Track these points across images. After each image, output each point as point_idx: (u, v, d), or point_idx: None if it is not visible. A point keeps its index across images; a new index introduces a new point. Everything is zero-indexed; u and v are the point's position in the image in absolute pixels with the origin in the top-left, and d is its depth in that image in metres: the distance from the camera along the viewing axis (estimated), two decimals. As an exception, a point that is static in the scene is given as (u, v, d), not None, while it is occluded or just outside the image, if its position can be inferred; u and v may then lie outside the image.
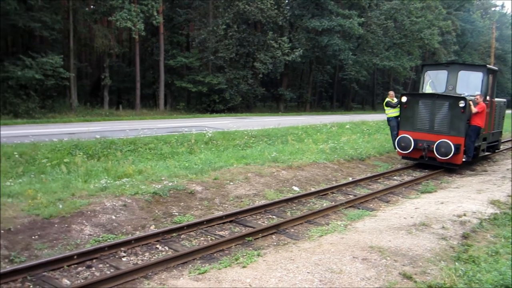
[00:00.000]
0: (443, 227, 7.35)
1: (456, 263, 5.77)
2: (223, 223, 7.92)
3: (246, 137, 16.40)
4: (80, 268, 5.88)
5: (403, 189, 11.28)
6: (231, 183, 10.18)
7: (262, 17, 33.99)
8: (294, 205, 9.40)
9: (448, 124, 12.94)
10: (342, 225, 7.72)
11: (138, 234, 7.11)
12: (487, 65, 14.42)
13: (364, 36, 42.29)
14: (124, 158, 11.76)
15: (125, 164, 10.70)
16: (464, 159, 12.94)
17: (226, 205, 9.08)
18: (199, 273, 5.51)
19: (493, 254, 6.05)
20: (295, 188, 10.75)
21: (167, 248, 6.69)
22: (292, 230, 7.83)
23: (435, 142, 12.76)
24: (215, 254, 6.49)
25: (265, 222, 8.23)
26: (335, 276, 5.30)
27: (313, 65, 44.04)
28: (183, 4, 37.17)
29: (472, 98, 13.04)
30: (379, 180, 12.24)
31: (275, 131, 18.44)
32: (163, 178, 9.62)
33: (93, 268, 5.90)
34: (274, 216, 8.56)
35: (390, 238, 6.74)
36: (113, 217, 7.45)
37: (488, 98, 14.22)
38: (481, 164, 15.43)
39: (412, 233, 7.03)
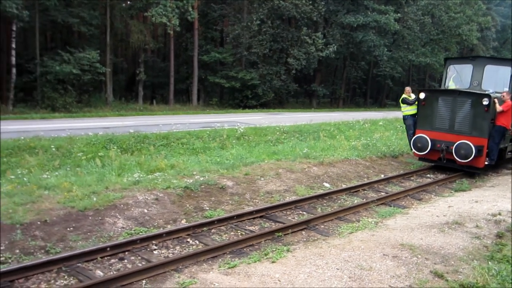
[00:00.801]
0: (476, 226, 7.20)
1: (489, 263, 5.66)
2: (253, 218, 7.99)
3: (277, 133, 16.42)
4: (113, 260, 6.05)
5: (436, 187, 11.09)
6: (262, 179, 10.23)
7: (297, 13, 33.86)
8: (325, 201, 9.37)
9: (470, 124, 11.84)
10: (372, 222, 7.67)
11: (169, 227, 7.25)
12: None
13: (400, 32, 41.53)
14: (156, 153, 11.99)
15: (158, 159, 10.90)
16: (486, 163, 11.83)
17: (257, 201, 9.14)
18: (229, 267, 5.58)
19: (528, 255, 5.90)
20: (326, 185, 10.72)
21: (197, 242, 6.80)
22: (322, 226, 7.83)
23: (455, 143, 11.67)
24: (244, 249, 6.56)
25: (295, 218, 8.25)
26: (365, 273, 5.28)
27: (347, 61, 43.58)
28: (217, 0, 37.41)
29: (499, 95, 11.99)
30: (411, 178, 12.06)
31: (307, 127, 18.39)
32: (194, 172, 9.75)
33: (125, 260, 6.06)
34: (304, 212, 8.57)
35: (421, 236, 6.66)
36: (145, 211, 7.63)
37: None
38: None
39: (444, 231, 6.91)
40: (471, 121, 11.81)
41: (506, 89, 12.41)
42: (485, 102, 11.51)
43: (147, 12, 28.20)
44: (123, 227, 7.06)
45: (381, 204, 9.27)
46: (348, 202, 9.40)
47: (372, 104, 51.39)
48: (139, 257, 6.16)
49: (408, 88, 13.87)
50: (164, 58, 39.55)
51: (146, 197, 8.04)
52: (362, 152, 13.68)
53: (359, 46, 39.85)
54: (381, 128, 20.93)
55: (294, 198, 9.28)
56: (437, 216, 7.88)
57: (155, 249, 6.46)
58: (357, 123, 21.42)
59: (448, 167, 12.61)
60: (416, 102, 13.14)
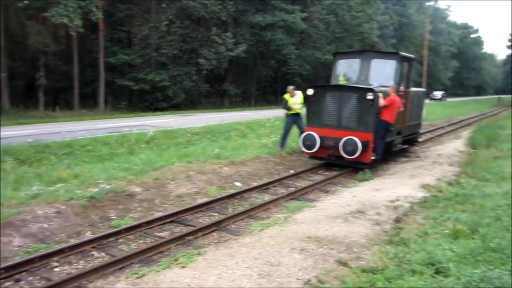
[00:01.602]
0: (377, 213, 7.62)
1: (388, 246, 6.01)
2: (163, 224, 7.82)
3: (188, 135, 16.28)
4: (7, 283, 5.59)
5: (342, 178, 11.59)
6: (172, 183, 10.07)
7: (206, 13, 33.81)
8: (236, 201, 9.43)
9: (357, 119, 11.79)
10: (282, 218, 7.82)
11: (72, 241, 6.88)
12: (401, 53, 13.41)
13: (307, 31, 42.99)
14: (59, 162, 11.35)
15: (60, 168, 10.32)
16: (373, 157, 11.85)
17: (167, 205, 8.97)
18: (137, 277, 5.41)
19: (422, 235, 6.34)
20: (237, 184, 10.79)
21: (103, 254, 6.52)
22: (233, 226, 7.86)
23: (342, 139, 11.59)
24: (154, 256, 6.40)
25: (207, 220, 8.20)
26: (274, 268, 5.37)
27: (257, 60, 44.29)
28: (124, 0, 36.23)
29: (385, 89, 12.04)
30: (319, 172, 12.50)
31: (218, 127, 18.43)
32: (100, 181, 9.34)
33: (22, 282, 5.64)
34: (215, 214, 8.55)
35: (327, 227, 6.90)
36: (45, 226, 7.17)
37: (402, 88, 13.39)
38: (414, 151, 16.09)
39: (348, 220, 7.23)
40: (358, 117, 11.77)
41: (393, 82, 12.53)
42: (369, 97, 11.44)
43: (47, 13, 26.62)
44: (20, 246, 6.56)
45: (291, 199, 9.50)
46: (259, 200, 9.53)
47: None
48: (38, 277, 5.76)
49: (291, 87, 13.69)
50: (67, 61, 37.53)
51: (46, 210, 7.56)
52: (272, 150, 13.95)
53: (268, 45, 40.65)
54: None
55: (205, 200, 9.22)
56: (342, 206, 8.22)
57: (56, 266, 6.09)
58: (268, 121, 21.81)
59: (339, 164, 12.43)
60: (299, 101, 13.25)
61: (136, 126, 18.07)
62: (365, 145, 11.44)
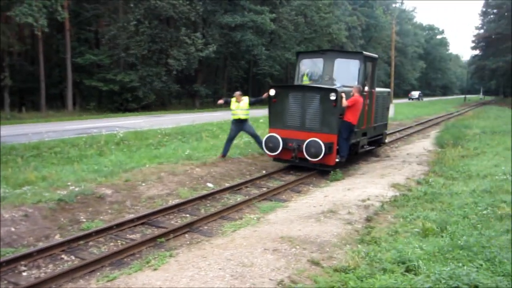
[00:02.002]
0: (349, 212, 7.71)
1: (359, 246, 6.09)
2: (135, 226, 7.71)
3: (159, 136, 16.12)
4: (-28, 289, 5.44)
5: (314, 178, 11.68)
6: (143, 184, 9.94)
7: (174, 13, 33.56)
8: (208, 202, 9.37)
9: (320, 120, 11.47)
10: (255, 218, 7.84)
11: (40, 245, 6.71)
12: (364, 52, 12.86)
13: (276, 32, 43.23)
14: (26, 164, 11.06)
15: (27, 171, 10.06)
16: (337, 160, 11.57)
17: (138, 207, 8.85)
18: (108, 281, 5.33)
19: (393, 233, 6.46)
20: (210, 185, 10.73)
21: (73, 258, 6.38)
22: (206, 227, 7.81)
23: (306, 141, 11.26)
24: (125, 259, 6.30)
25: (178, 221, 8.13)
26: (246, 269, 5.36)
27: (227, 61, 44.27)
28: (90, -1, 35.67)
29: (348, 89, 11.73)
30: (291, 172, 12.55)
31: (189, 128, 18.32)
32: (69, 183, 9.15)
33: (-11, 286, 5.49)
34: (187, 215, 8.48)
35: (300, 227, 6.94)
36: (13, 229, 6.97)
37: (367, 88, 12.94)
38: (384, 150, 16.37)
39: (320, 220, 7.29)
40: (321, 118, 11.46)
41: (356, 82, 12.22)
42: (332, 97, 11.10)
43: (10, 12, 25.89)
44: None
45: (263, 199, 9.51)
46: (231, 201, 9.50)
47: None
48: (5, 281, 5.60)
49: (238, 93, 13.01)
50: (33, 62, 36.66)
51: (13, 214, 7.35)
52: (244, 150, 13.95)
53: (238, 46, 40.66)
54: (262, 124, 21.49)
55: (177, 201, 9.14)
56: (314, 206, 8.28)
57: (24, 271, 5.92)
58: (239, 122, 21.75)
59: (303, 166, 12.10)
60: (245, 107, 12.65)
61: (106, 127, 17.77)
62: (329, 147, 11.18)
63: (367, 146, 14.07)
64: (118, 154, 12.95)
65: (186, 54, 34.69)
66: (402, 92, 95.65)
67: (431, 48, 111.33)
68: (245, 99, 12.72)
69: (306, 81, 13.20)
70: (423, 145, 17.33)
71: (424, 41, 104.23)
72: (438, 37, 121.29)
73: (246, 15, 38.35)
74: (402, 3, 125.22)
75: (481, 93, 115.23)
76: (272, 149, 11.82)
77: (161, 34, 34.96)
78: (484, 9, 74.27)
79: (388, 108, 16.09)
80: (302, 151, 11.30)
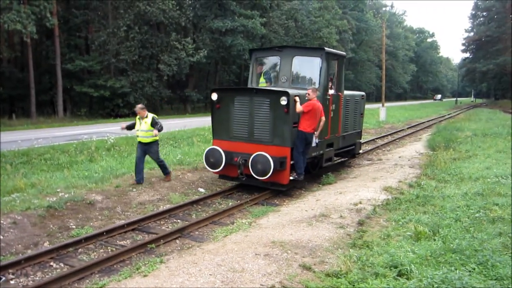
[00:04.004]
0: (341, 216, 7.67)
1: (351, 250, 6.04)
2: (125, 232, 7.63)
3: (150, 141, 16.00)
4: (-40, 297, 5.34)
5: (306, 182, 11.62)
6: (134, 190, 9.88)
7: (164, 18, 33.52)
8: (200, 207, 9.31)
9: (271, 130, 9.58)
10: (246, 223, 7.78)
11: (29, 252, 6.61)
12: (327, 48, 10.88)
13: (267, 36, 43.30)
14: (15, 171, 10.95)
15: (16, 178, 9.96)
16: (292, 177, 9.80)
17: (129, 213, 8.77)
18: (97, 288, 5.26)
19: (385, 237, 6.42)
20: (201, 190, 10.66)
21: (62, 265, 6.28)
22: (197, 232, 7.75)
23: (252, 155, 9.44)
24: (115, 266, 6.22)
25: (170, 227, 8.05)
26: (237, 275, 5.30)
27: (218, 66, 44.28)
28: (79, 5, 35.51)
29: (303, 92, 9.93)
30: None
31: (181, 133, 18.23)
32: (59, 190, 9.07)
33: (-24, 295, 5.39)
34: (178, 220, 8.41)
35: (291, 232, 6.89)
36: (1, 237, 6.87)
37: (332, 91, 11.25)
38: (376, 153, 16.37)
39: (312, 224, 7.24)
40: (272, 127, 9.59)
41: (317, 85, 10.57)
42: (283, 101, 9.24)
43: (-2, 19, 25.75)
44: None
45: (255, 204, 9.46)
46: (223, 205, 9.44)
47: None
48: (-8, 289, 5.51)
49: (138, 107, 10.55)
50: (23, 68, 36.42)
51: (2, 222, 7.25)
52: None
53: (229, 50, 40.66)
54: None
55: (168, 206, 9.06)
56: (306, 210, 8.24)
57: (12, 279, 5.82)
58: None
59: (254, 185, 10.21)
60: (145, 128, 10.35)
61: (97, 133, 17.66)
62: (280, 162, 9.36)
63: (338, 158, 12.83)
64: (109, 160, 12.86)
65: (177, 59, 34.64)
66: (394, 95, 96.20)
67: (422, 51, 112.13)
68: (150, 116, 10.45)
69: (263, 84, 11.45)
70: (415, 148, 17.38)
71: (414, 44, 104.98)
72: (429, 40, 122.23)
73: (237, 20, 38.38)
74: (392, 6, 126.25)
75: (472, 96, 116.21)
76: (213, 165, 9.96)
77: (151, 39, 34.90)
78: (473, 12, 74.88)
79: (362, 114, 14.19)
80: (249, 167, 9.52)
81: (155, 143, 10.57)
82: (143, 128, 10.35)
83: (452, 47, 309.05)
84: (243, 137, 9.95)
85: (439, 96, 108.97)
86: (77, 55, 35.16)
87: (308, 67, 11.14)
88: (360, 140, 14.29)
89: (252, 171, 9.39)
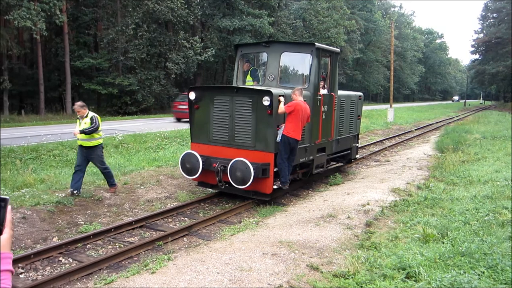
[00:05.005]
0: (348, 217, 7.66)
1: (359, 251, 6.03)
2: (133, 229, 7.68)
3: (158, 139, 16.06)
4: (-31, 291, 5.37)
5: (313, 182, 11.61)
6: (142, 187, 9.92)
7: (173, 17, 33.53)
8: (207, 205, 9.34)
9: (253, 133, 8.72)
10: (254, 222, 7.79)
11: (38, 247, 6.66)
12: (317, 44, 9.81)
13: (275, 35, 43.21)
14: (24, 167, 11.02)
15: (25, 173, 10.03)
16: (275, 186, 8.87)
17: (137, 210, 8.81)
18: (105, 284, 5.29)
19: (393, 239, 6.41)
20: (209, 188, 10.66)
21: (71, 260, 6.34)
22: (204, 231, 7.77)
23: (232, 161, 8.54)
24: (123, 262, 6.26)
25: (177, 224, 8.09)
26: (245, 274, 5.31)
27: (226, 65, 44.29)
28: (89, 3, 35.66)
29: (287, 92, 9.07)
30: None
31: (188, 131, 18.22)
32: (68, 186, 9.12)
33: (-15, 289, 5.42)
34: (186, 218, 8.44)
35: (299, 232, 6.89)
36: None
37: (325, 91, 10.43)
38: (384, 154, 16.32)
39: (320, 225, 7.24)
40: (254, 130, 8.73)
41: (307, 84, 9.79)
42: (266, 102, 8.41)
43: (9, 16, 25.88)
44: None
45: (262, 203, 9.46)
46: (230, 204, 9.45)
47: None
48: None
49: (77, 105, 9.19)
50: (32, 65, 36.66)
51: (12, 216, 7.29)
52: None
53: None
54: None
55: (175, 204, 9.10)
56: (313, 210, 8.24)
57: (21, 273, 5.88)
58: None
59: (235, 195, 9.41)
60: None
61: (105, 130, 17.61)
62: (263, 169, 8.49)
63: (333, 163, 12.21)
64: (117, 157, 12.92)
65: (184, 57, 34.66)
66: (401, 96, 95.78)
67: (431, 52, 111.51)
68: (92, 116, 9.09)
69: (249, 83, 10.65)
70: (423, 149, 17.30)
71: (423, 45, 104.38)
72: (438, 41, 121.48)
73: (245, 19, 38.37)
74: (401, 7, 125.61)
75: (481, 98, 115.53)
76: (189, 171, 9.07)
77: (159, 37, 34.94)
78: (483, 13, 74.35)
79: (359, 116, 13.29)
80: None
81: (97, 147, 9.16)
82: (85, 129, 8.94)
83: (461, 49, 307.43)
84: (223, 141, 9.11)
85: (456, 98, 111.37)
86: (86, 53, 35.28)
87: (298, 64, 10.50)
88: (357, 144, 13.37)
89: (231, 178, 8.48)
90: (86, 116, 9.02)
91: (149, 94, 34.16)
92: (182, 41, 34.33)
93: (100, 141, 9.23)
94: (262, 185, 8.68)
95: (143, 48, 33.43)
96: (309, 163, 10.14)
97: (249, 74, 10.73)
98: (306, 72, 10.01)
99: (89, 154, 9.08)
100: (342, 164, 12.93)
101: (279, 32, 43.30)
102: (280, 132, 8.60)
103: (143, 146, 15.02)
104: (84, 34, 36.65)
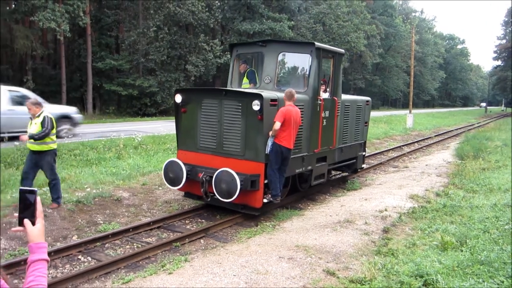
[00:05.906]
0: (365, 222, 7.63)
1: (376, 257, 6.00)
2: (151, 229, 7.76)
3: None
4: (-9, 285, 5.50)
5: (330, 187, 11.57)
6: (160, 188, 10.02)
7: (193, 20, 33.82)
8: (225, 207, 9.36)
9: (243, 141, 7.98)
10: (270, 226, 7.82)
11: (58, 245, 6.79)
12: (318, 44, 9.08)
13: (295, 39, 43.25)
14: (45, 166, 11.20)
15: (47, 172, 10.19)
16: (266, 200, 8.05)
17: (154, 211, 8.90)
18: (123, 283, 5.36)
19: (410, 246, 6.35)
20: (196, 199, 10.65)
21: (89, 259, 6.44)
22: (221, 233, 7.81)
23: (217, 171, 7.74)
24: (140, 262, 6.34)
25: (194, 226, 8.15)
26: (261, 277, 5.33)
27: (245, 68, 44.44)
28: (111, 5, 36.20)
29: (279, 95, 8.23)
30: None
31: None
32: (87, 185, 9.28)
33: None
34: (203, 220, 8.49)
35: (316, 236, 6.89)
36: (1, 240, 7.05)
37: (326, 95, 9.77)
38: (402, 160, 16.18)
39: (337, 230, 7.22)
40: (243, 137, 7.98)
41: (307, 87, 9.06)
42: (256, 106, 7.65)
43: (34, 17, 26.44)
44: (5, 248, 6.48)
45: (279, 207, 9.43)
46: (247, 207, 9.47)
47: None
48: (23, 280, 5.66)
49: (29, 101, 7.98)
50: (55, 65, 37.33)
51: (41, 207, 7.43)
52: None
53: (256, 53, 40.76)
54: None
55: (193, 206, 9.16)
56: (330, 215, 8.22)
57: (41, 270, 5.99)
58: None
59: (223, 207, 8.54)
60: (35, 130, 7.64)
61: (124, 131, 17.92)
62: (252, 181, 7.73)
63: (337, 173, 11.66)
64: (136, 158, 13.05)
65: (204, 60, 34.91)
66: (421, 102, 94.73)
67: (452, 58, 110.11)
68: (45, 116, 7.71)
69: (246, 85, 9.92)
70: (443, 156, 17.11)
71: (444, 51, 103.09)
72: (459, 47, 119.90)
73: (265, 23, 38.49)
74: (422, 12, 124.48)
75: (503, 105, 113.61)
76: (172, 181, 8.34)
77: (180, 40, 35.25)
78: (506, 19, 73.32)
79: (366, 123, 12.39)
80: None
81: (49, 153, 7.88)
82: (32, 131, 7.67)
83: (483, 54, 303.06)
84: (210, 149, 8.34)
85: (484, 104, 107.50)
86: (108, 54, 35.81)
87: (296, 65, 9.90)
88: (364, 153, 12.47)
89: (216, 191, 7.72)
90: (38, 116, 7.72)
91: (169, 96, 34.47)
92: (202, 44, 34.58)
93: (53, 146, 7.95)
94: (251, 198, 7.91)
95: (164, 50, 33.77)
96: (308, 174, 9.49)
97: (245, 76, 10.04)
98: (305, 74, 9.34)
99: (39, 160, 7.83)
100: (347, 174, 12.21)
101: (298, 36, 43.33)
102: (269, 143, 7.83)
103: (162, 148, 15.13)
104: (106, 36, 37.19)
